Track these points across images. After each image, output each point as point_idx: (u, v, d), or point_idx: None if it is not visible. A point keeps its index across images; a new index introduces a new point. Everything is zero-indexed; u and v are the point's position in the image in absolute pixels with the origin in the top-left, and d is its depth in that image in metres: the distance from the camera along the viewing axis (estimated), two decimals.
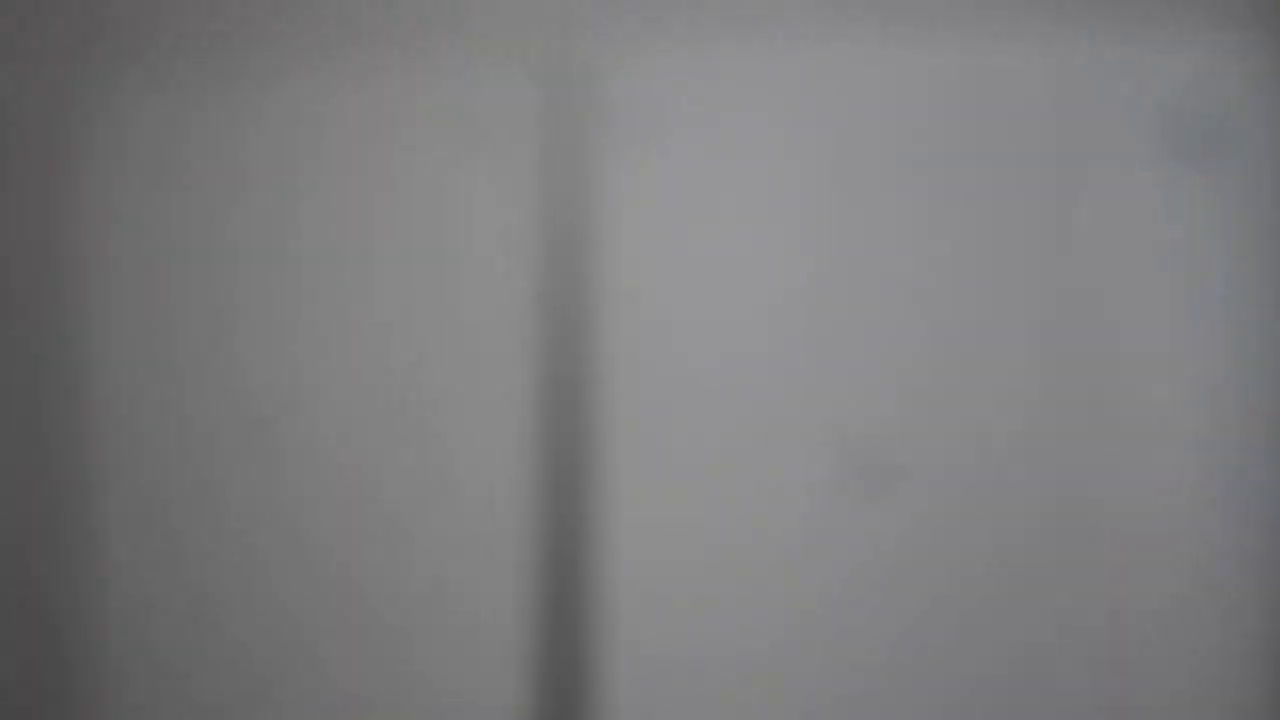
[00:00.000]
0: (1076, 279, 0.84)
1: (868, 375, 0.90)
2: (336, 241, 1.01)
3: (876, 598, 0.92)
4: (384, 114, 0.98)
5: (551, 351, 1.01)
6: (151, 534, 1.11)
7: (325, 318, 1.03)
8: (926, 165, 0.88)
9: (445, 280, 0.99)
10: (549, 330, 1.00)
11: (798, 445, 0.92)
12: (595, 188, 0.94)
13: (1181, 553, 0.85)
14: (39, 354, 1.17)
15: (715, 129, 0.92)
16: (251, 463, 1.07)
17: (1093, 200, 0.83)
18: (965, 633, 0.90)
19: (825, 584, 0.93)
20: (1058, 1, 0.81)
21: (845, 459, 0.91)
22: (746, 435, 0.94)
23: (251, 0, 1.02)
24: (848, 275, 0.90)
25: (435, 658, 1.02)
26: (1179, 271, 0.82)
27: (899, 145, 0.88)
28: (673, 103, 0.93)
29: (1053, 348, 0.86)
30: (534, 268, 0.96)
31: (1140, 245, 0.83)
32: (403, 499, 1.03)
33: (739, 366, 0.93)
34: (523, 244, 0.96)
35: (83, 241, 1.10)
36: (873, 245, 0.89)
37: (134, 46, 1.08)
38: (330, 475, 1.04)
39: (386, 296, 1.01)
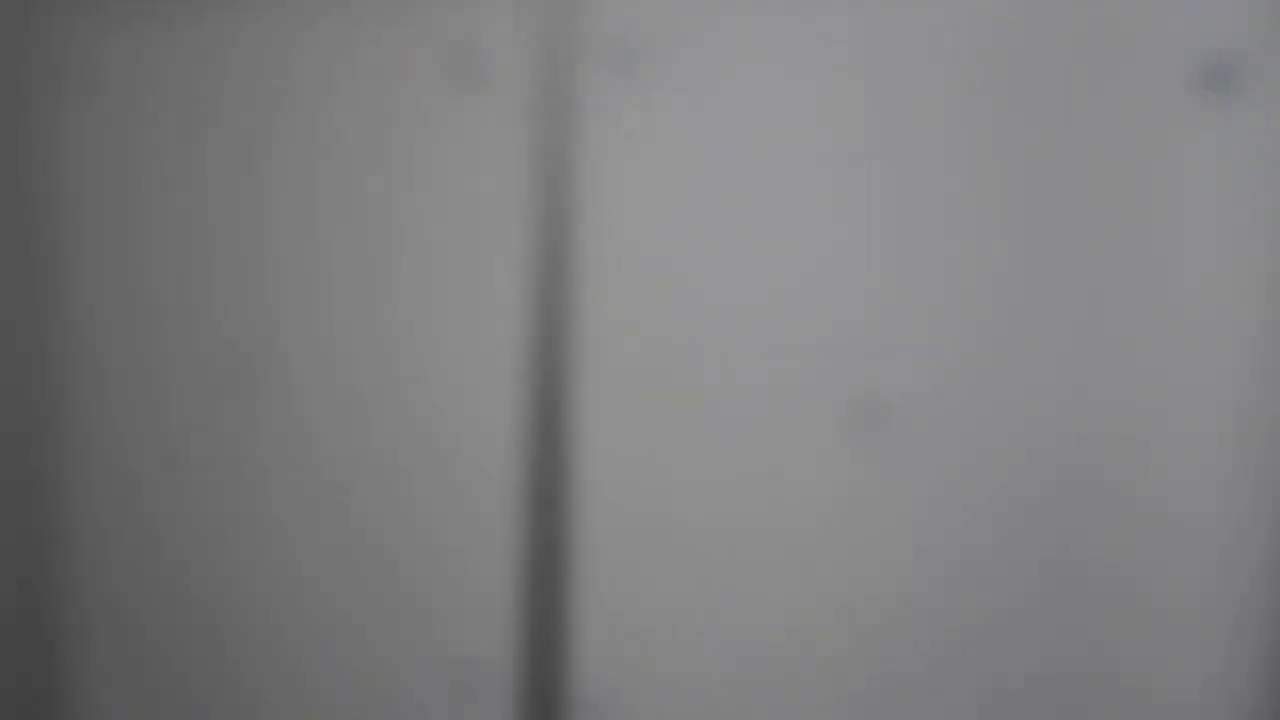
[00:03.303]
0: (1102, 232, 0.82)
1: (874, 328, 0.88)
2: (315, 179, 0.98)
3: (876, 560, 0.91)
4: (365, 45, 0.95)
5: (539, 295, 0.99)
6: (136, 483, 1.08)
7: (302, 259, 0.99)
8: (939, 105, 0.84)
9: (427, 219, 0.96)
10: (536, 275, 0.97)
11: (798, 405, 0.90)
12: (582, 123, 0.92)
13: (1211, 522, 0.83)
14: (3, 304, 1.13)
15: (711, 63, 0.90)
16: (231, 410, 1.03)
17: (1123, 145, 0.80)
18: (966, 615, 0.89)
19: (823, 553, 0.92)
20: None
21: (849, 419, 0.90)
22: (739, 390, 0.91)
23: None
24: (851, 219, 0.88)
25: (421, 611, 1.00)
26: (1212, 215, 0.79)
27: (910, 82, 0.85)
28: (664, 35, 0.90)
29: (1079, 304, 0.84)
30: (520, 209, 0.94)
31: (1174, 188, 0.80)
32: (389, 454, 1.00)
33: (732, 317, 0.91)
34: (509, 187, 0.93)
35: (50, 178, 1.06)
36: (878, 188, 0.87)
37: None
38: (312, 424, 1.01)
39: (366, 234, 0.98)
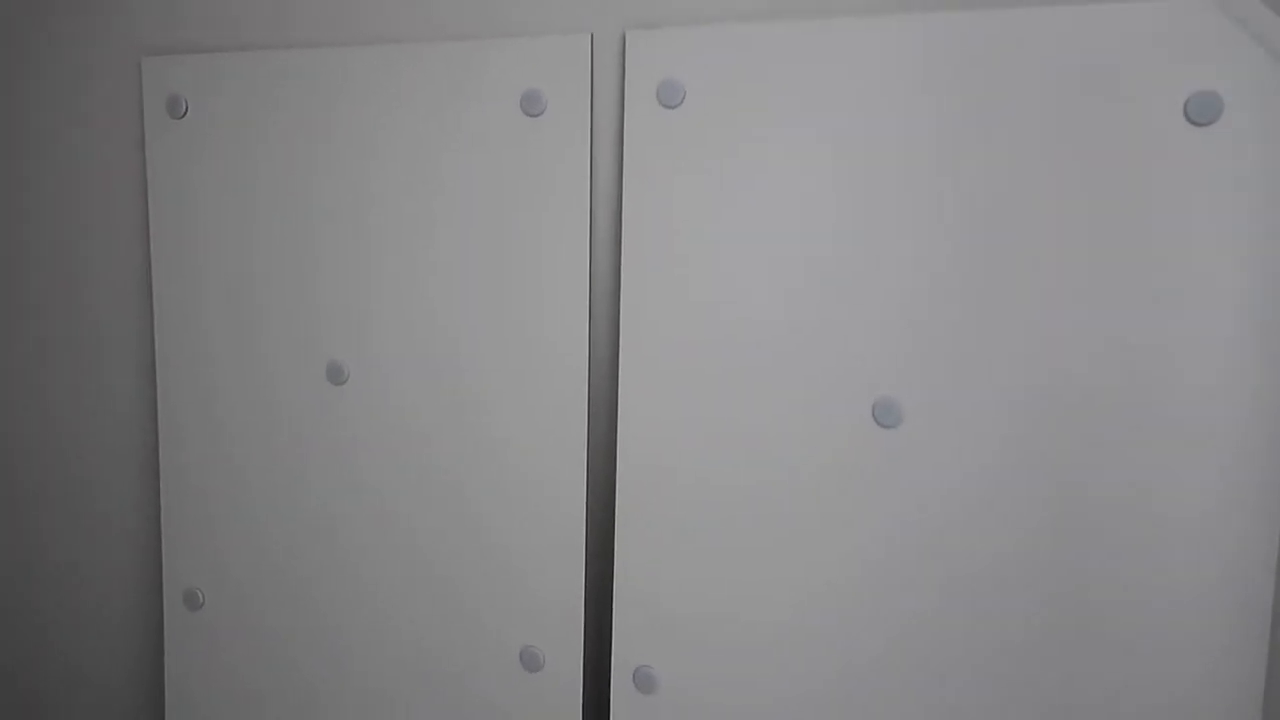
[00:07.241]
0: (1104, 247, 0.85)
1: (887, 331, 0.92)
2: (404, 199, 1.06)
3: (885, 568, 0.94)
4: (449, 83, 1.03)
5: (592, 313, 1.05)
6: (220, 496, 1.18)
7: (391, 268, 1.07)
8: (961, 138, 0.88)
9: (499, 234, 1.03)
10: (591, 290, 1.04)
11: (826, 411, 0.94)
12: (632, 152, 0.97)
13: (1205, 541, 0.85)
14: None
15: (735, 92, 0.94)
16: (327, 404, 1.12)
17: (1121, 173, 0.85)
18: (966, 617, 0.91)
19: (831, 549, 0.95)
20: None
21: (863, 418, 0.93)
22: (771, 396, 0.96)
23: None
24: (880, 244, 0.91)
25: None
26: (1203, 234, 0.83)
27: (937, 116, 0.89)
28: (707, 73, 0.94)
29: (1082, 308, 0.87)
30: (578, 229, 1.00)
31: (1169, 211, 0.84)
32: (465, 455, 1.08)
33: (763, 329, 0.95)
34: (569, 209, 1.00)
35: (179, 197, 1.15)
36: (907, 215, 0.90)
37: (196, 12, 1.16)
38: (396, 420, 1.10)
39: (446, 247, 1.05)
